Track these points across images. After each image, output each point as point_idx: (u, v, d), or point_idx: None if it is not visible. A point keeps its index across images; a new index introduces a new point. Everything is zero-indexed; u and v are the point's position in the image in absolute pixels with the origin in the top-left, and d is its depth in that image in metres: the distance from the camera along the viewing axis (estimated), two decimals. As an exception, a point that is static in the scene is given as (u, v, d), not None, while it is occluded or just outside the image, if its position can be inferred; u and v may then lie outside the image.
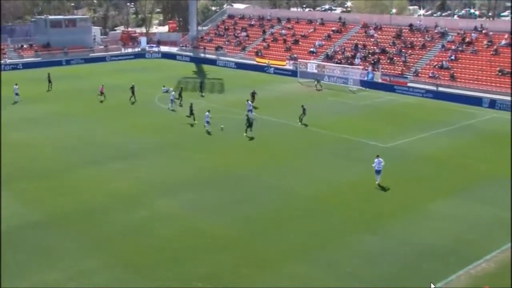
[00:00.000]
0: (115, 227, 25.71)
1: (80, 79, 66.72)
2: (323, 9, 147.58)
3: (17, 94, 52.21)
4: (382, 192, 30.56)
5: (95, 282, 21.04)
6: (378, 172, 31.23)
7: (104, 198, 29.12)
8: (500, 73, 57.11)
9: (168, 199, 29.19)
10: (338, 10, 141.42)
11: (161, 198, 29.25)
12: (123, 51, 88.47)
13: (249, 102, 47.03)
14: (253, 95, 51.15)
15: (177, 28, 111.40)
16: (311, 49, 73.82)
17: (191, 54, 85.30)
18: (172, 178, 32.21)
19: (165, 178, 32.20)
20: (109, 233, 25.14)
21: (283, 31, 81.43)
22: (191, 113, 44.97)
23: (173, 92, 51.96)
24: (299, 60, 70.29)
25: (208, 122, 42.05)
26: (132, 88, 53.19)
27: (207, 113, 42.39)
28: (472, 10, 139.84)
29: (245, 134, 41.23)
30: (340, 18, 79.73)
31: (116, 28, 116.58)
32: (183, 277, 21.38)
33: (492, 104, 52.55)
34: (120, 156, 36.14)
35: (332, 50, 72.14)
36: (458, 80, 58.67)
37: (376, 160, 31.37)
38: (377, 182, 31.37)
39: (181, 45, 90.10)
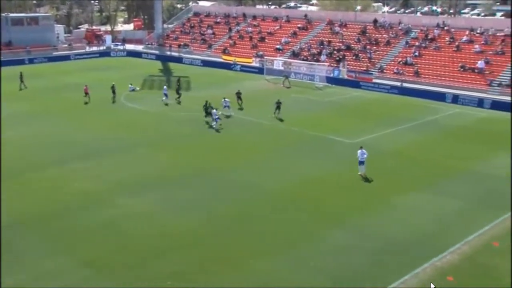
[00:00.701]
0: (81, 227, 25.39)
1: (44, 78, 65.57)
2: (288, 6, 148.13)
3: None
4: (349, 186, 30.91)
5: (62, 282, 20.76)
6: (361, 163, 32.05)
7: (69, 198, 28.70)
8: (462, 69, 58.26)
9: (134, 197, 28.94)
10: (304, 7, 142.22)
11: (127, 197, 28.99)
12: (88, 49, 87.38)
13: (226, 99, 46.93)
14: (238, 95, 50.35)
15: (143, 26, 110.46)
16: (277, 46, 74.10)
17: (157, 52, 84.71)
18: (139, 177, 31.95)
19: (132, 177, 31.93)
20: (75, 233, 24.81)
21: (249, 29, 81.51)
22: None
23: (165, 86, 53.06)
24: (265, 57, 70.46)
25: (216, 119, 42.19)
26: (113, 87, 52.69)
27: (214, 110, 42.64)
28: (434, 8, 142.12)
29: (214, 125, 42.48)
30: (305, 16, 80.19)
31: (80, 26, 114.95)
32: (150, 276, 21.25)
33: (455, 99, 53.57)
34: (86, 155, 35.68)
35: (298, 47, 72.52)
36: (422, 76, 59.65)
37: (359, 151, 32.14)
38: (360, 173, 32.12)
39: (146, 43, 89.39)
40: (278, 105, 45.97)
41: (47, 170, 33.03)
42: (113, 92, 52.48)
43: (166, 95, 51.60)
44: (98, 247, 23.58)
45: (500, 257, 22.92)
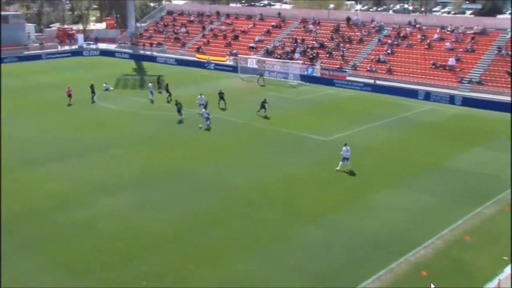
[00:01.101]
0: (55, 229, 25.15)
1: (16, 78, 64.59)
2: (262, 4, 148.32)
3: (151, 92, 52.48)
4: (324, 184, 31.15)
5: (38, 283, 20.60)
6: (346, 159, 32.72)
7: (41, 199, 28.40)
8: (433, 66, 59.06)
9: (109, 198, 28.75)
10: (277, 5, 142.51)
11: (102, 198, 28.79)
12: (60, 48, 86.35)
13: (202, 96, 46.79)
14: (221, 95, 49.59)
15: (115, 25, 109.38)
16: (251, 45, 74.16)
17: (130, 51, 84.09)
18: (113, 177, 31.76)
19: (106, 177, 31.72)
20: (49, 234, 24.57)
21: (223, 27, 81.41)
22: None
23: (150, 84, 53.65)
24: (239, 55, 70.44)
25: (208, 119, 41.87)
26: (92, 86, 51.96)
27: (204, 109, 42.34)
28: (406, 6, 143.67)
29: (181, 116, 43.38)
30: (279, 14, 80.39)
31: (51, 25, 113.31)
32: (127, 277, 21.15)
33: (427, 96, 54.28)
34: (60, 156, 35.34)
35: (272, 45, 72.66)
36: (395, 73, 60.28)
37: (344, 148, 32.81)
38: (338, 168, 32.93)
39: (119, 42, 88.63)
40: (263, 104, 45.73)
41: (20, 171, 32.65)
42: (92, 91, 51.73)
43: (151, 92, 52.15)
44: (74, 248, 23.40)
45: (472, 251, 23.35)
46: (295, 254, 23.13)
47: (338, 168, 32.93)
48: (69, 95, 50.13)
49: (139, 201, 28.43)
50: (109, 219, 26.29)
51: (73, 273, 21.47)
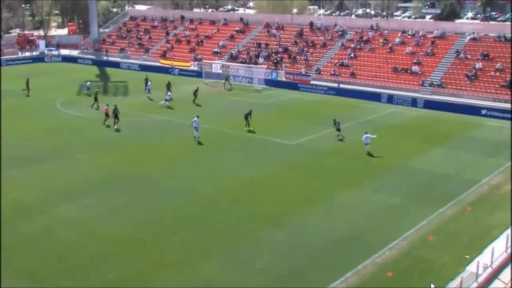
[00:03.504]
0: (14, 237, 24.56)
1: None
2: (225, 9, 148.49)
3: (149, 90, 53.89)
4: (287, 187, 31.22)
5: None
6: (366, 144, 37.05)
7: (4, 207, 27.61)
8: (394, 70, 59.96)
9: (68, 205, 28.26)
10: (241, 10, 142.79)
11: (61, 205, 28.30)
12: (20, 55, 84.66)
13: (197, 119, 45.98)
14: (195, 93, 52.82)
15: (77, 31, 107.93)
16: (215, 50, 74.13)
17: (93, 57, 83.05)
18: (72, 183, 31.31)
19: (64, 183, 31.24)
20: (9, 244, 23.96)
21: (187, 32, 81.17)
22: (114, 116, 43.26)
23: (149, 82, 55.46)
24: (203, 60, 70.35)
25: (196, 128, 39.94)
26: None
27: (195, 118, 40.09)
28: (368, 10, 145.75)
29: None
30: (241, 19, 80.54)
31: (11, 31, 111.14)
32: (91, 285, 20.84)
33: (390, 99, 55.10)
34: (17, 163, 34.56)
35: (236, 50, 72.77)
36: (358, 77, 61.04)
37: (364, 135, 37.21)
38: (366, 151, 37.06)
39: (82, 48, 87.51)
40: (247, 116, 43.52)
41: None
42: (95, 99, 50.75)
43: (149, 90, 54.22)
44: (36, 257, 22.95)
45: (435, 251, 23.77)
46: (260, 256, 23.16)
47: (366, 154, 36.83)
48: (106, 114, 44.58)
49: (99, 207, 28.08)
50: (69, 226, 25.86)
51: (36, 282, 21.03)
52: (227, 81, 61.65)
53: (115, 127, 42.81)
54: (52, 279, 21.24)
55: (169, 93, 52.59)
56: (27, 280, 21.26)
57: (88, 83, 59.48)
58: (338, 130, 41.24)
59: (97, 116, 47.69)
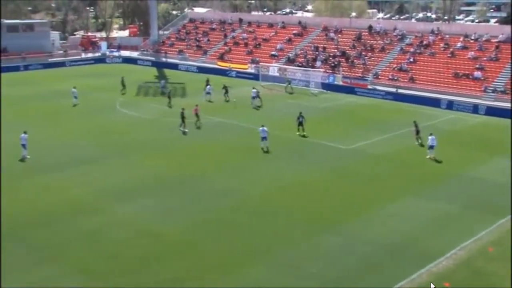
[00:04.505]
0: (70, 234, 25.24)
1: (39, 84, 65.46)
2: (284, 12, 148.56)
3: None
4: (342, 192, 30.85)
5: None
6: (431, 147, 36.36)
7: (59, 205, 28.56)
8: (455, 76, 58.35)
9: (124, 204, 28.83)
10: (299, 13, 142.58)
11: (118, 204, 28.89)
12: (83, 56, 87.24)
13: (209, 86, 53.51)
14: (225, 87, 55.27)
15: (138, 33, 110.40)
16: (273, 53, 74.17)
17: (152, 58, 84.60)
18: (127, 183, 31.87)
19: (120, 183, 31.85)
20: (65, 240, 24.67)
21: (245, 35, 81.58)
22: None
23: (209, 86, 56.03)
24: (260, 63, 70.50)
25: (265, 138, 38.09)
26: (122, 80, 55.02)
27: (262, 127, 38.18)
28: (429, 14, 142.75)
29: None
30: (299, 22, 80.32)
31: (75, 33, 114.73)
32: (143, 283, 21.13)
33: (450, 105, 53.66)
34: (76, 162, 35.60)
35: (294, 53, 72.59)
36: (417, 82, 59.75)
37: (430, 137, 36.54)
38: (428, 157, 36.52)
39: (142, 49, 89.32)
40: (300, 120, 42.58)
41: (37, 177, 32.94)
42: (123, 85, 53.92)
43: (209, 92, 55.08)
44: (90, 254, 23.47)
45: (496, 263, 22.90)
46: (312, 261, 22.91)
47: (427, 156, 36.37)
48: (196, 114, 45.22)
49: (153, 207, 28.51)
50: (123, 225, 26.35)
51: (90, 279, 21.49)
52: (289, 85, 61.61)
53: (185, 130, 43.05)
54: (105, 277, 21.66)
55: (208, 86, 55.40)
56: (82, 276, 21.75)
57: (163, 81, 61.22)
58: (417, 132, 40.75)
59: (154, 116, 48.59)
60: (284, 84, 62.23)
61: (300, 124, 42.52)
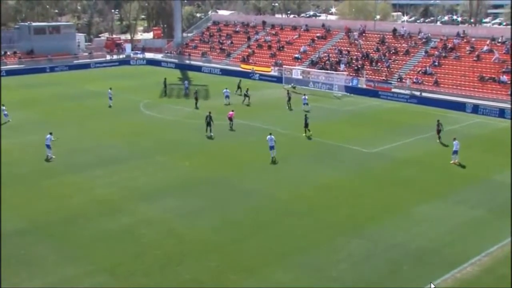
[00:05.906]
0: (97, 234, 25.51)
1: (64, 86, 66.31)
2: (307, 15, 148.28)
3: (6, 115, 47.00)
4: (366, 195, 30.64)
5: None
6: (455, 152, 36.05)
7: (85, 204, 28.88)
8: (481, 79, 57.62)
9: (149, 204, 29.04)
10: (323, 16, 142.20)
11: (143, 204, 29.11)
12: (108, 58, 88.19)
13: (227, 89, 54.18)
14: (246, 92, 55.31)
15: (162, 35, 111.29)
16: (296, 55, 74.08)
17: (176, 60, 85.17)
18: (154, 184, 32.12)
19: (145, 184, 32.10)
20: (91, 239, 24.94)
21: (268, 38, 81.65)
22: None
23: (226, 89, 55.65)
24: (284, 66, 70.46)
25: (272, 147, 36.51)
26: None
27: (270, 136, 36.83)
28: (454, 17, 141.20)
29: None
30: (323, 25, 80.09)
31: (100, 35, 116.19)
32: (167, 284, 21.24)
33: (475, 109, 53.02)
34: (102, 162, 35.96)
35: (317, 56, 72.39)
36: (442, 85, 59.15)
37: (454, 142, 36.25)
38: (453, 162, 36.10)
39: (166, 51, 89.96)
40: (306, 121, 42.75)
41: (63, 176, 33.34)
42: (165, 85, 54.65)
43: (228, 96, 54.46)
44: (115, 253, 23.67)
45: (521, 270, 22.53)
46: (336, 264, 22.80)
47: (451, 161, 35.97)
48: (230, 119, 45.09)
49: (178, 208, 28.65)
50: (149, 225, 26.53)
51: (116, 278, 21.67)
52: (293, 88, 61.91)
53: (211, 134, 42.65)
54: (130, 276, 21.83)
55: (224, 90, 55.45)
56: (107, 275, 21.94)
57: (186, 82, 61.57)
58: (438, 131, 41.13)
59: (178, 118, 48.87)
60: (303, 86, 62.14)
61: (306, 125, 42.64)
